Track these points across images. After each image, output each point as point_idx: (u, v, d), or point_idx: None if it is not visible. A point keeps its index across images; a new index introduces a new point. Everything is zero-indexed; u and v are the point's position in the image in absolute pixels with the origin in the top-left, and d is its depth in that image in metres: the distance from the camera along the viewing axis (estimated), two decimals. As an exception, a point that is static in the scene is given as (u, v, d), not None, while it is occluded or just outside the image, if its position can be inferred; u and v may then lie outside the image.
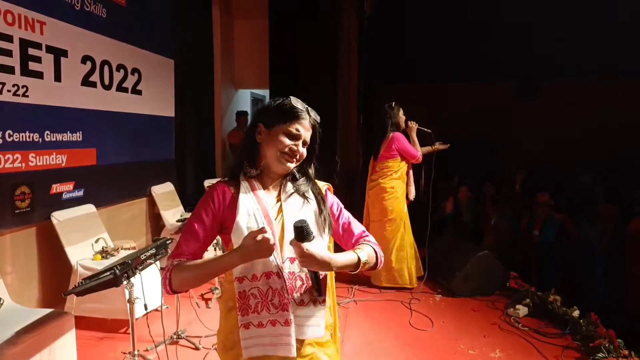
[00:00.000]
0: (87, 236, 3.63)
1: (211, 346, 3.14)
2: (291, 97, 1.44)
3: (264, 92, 8.14)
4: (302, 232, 1.23)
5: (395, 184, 4.33)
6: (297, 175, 1.47)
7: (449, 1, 7.15)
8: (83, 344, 3.07)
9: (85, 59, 3.88)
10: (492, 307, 3.89)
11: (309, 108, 1.44)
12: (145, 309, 2.41)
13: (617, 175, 6.48)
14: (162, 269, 2.81)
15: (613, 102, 6.92)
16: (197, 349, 3.15)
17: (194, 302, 3.66)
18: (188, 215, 4.92)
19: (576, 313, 3.40)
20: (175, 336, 3.20)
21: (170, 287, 1.32)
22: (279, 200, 1.42)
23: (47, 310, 2.67)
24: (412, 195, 4.43)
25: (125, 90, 4.47)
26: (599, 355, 2.84)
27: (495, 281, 4.19)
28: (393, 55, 7.16)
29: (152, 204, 5.00)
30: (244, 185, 1.41)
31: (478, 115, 7.28)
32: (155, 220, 5.05)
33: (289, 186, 1.45)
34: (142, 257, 2.38)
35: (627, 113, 6.64)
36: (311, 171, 1.49)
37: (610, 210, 4.90)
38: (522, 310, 3.66)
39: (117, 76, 4.32)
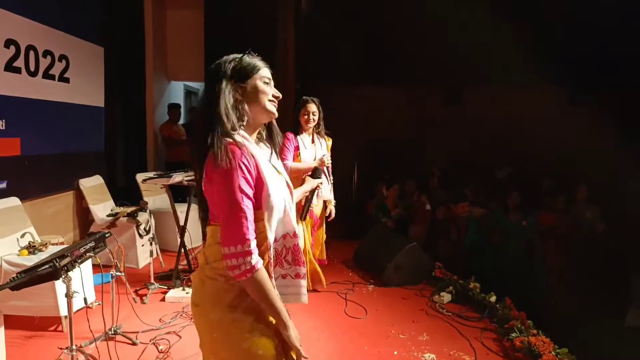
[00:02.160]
0: (12, 230, 3.43)
1: (148, 341, 3.12)
2: (244, 53, 1.47)
3: (199, 85, 7.99)
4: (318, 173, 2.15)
5: None
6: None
7: (385, 3, 7.43)
8: (10, 342, 2.91)
9: (8, 42, 3.65)
10: (419, 295, 4.18)
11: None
12: (85, 302, 2.35)
13: (527, 171, 7.18)
14: (102, 266, 2.75)
15: (527, 105, 7.63)
16: (134, 344, 3.11)
17: (130, 298, 3.59)
18: (119, 209, 4.78)
19: (493, 298, 3.75)
20: (111, 332, 3.13)
21: (251, 275, 1.31)
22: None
23: (-28, 309, 2.52)
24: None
25: (52, 77, 4.25)
26: (513, 335, 3.18)
27: (423, 271, 4.50)
28: (328, 56, 7.33)
29: (80, 198, 4.79)
30: (251, 146, 1.39)
31: (406, 118, 7.70)
32: (84, 215, 4.84)
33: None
34: (81, 250, 2.33)
35: (537, 116, 7.38)
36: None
37: (517, 201, 5.40)
38: (446, 297, 3.97)
39: (44, 62, 4.11)
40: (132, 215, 4.48)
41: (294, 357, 1.44)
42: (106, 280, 3.12)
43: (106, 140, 5.31)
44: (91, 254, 2.42)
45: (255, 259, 1.31)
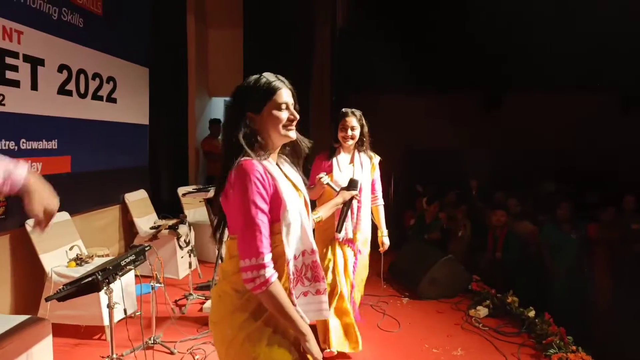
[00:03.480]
0: (62, 243, 3.66)
1: (185, 351, 3.23)
2: (262, 74, 1.50)
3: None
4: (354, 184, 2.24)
5: None
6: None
7: (416, 14, 7.44)
8: (57, 350, 3.09)
9: (61, 67, 3.93)
10: (455, 309, 4.11)
11: (279, 76, 1.52)
12: (125, 313, 2.49)
13: (573, 181, 6.90)
14: (140, 276, 2.89)
15: (572, 112, 7.37)
16: (172, 353, 3.23)
17: (169, 308, 3.73)
18: (161, 222, 5.00)
19: (532, 313, 3.64)
20: (150, 341, 3.28)
21: (266, 288, 1.35)
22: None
23: (24, 317, 2.70)
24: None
25: (101, 98, 4.52)
26: (551, 351, 3.08)
27: (459, 284, 4.42)
28: (362, 66, 7.37)
29: (125, 211, 5.03)
30: (269, 166, 1.44)
31: (443, 126, 7.60)
32: (129, 228, 5.08)
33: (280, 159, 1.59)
34: (122, 263, 2.47)
35: (582, 123, 7.11)
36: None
37: (568, 213, 5.19)
38: (483, 311, 3.89)
39: (93, 85, 4.37)
40: (173, 228, 4.67)
41: None
42: (147, 291, 3.28)
43: (150, 156, 5.56)
44: (131, 266, 2.56)
45: (270, 272, 1.36)
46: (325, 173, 2.87)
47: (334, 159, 3.07)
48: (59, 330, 3.38)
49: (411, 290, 4.49)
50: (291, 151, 1.62)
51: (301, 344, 1.43)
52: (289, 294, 1.44)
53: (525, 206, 5.83)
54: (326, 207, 2.14)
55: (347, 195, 2.26)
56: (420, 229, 5.81)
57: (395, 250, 5.24)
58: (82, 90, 4.21)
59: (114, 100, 4.72)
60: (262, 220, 1.37)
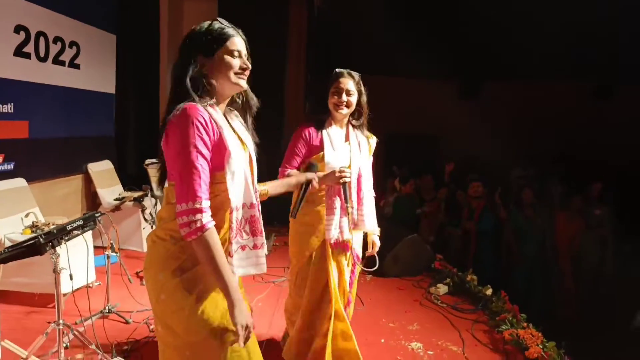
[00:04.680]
0: (17, 210, 3.56)
1: (141, 320, 3.19)
2: (214, 20, 1.46)
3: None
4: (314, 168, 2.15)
5: None
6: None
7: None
8: (8, 317, 3.04)
9: (18, 28, 3.76)
10: (417, 286, 4.15)
11: (234, 25, 1.48)
12: (71, 278, 2.43)
13: (545, 170, 7.00)
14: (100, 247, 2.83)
15: (546, 102, 7.45)
16: (127, 323, 3.19)
17: (126, 279, 3.67)
18: (126, 194, 4.89)
19: (489, 291, 3.70)
20: (105, 310, 3.23)
21: (201, 234, 1.31)
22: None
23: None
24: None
25: (62, 63, 4.37)
26: (503, 327, 3.13)
27: (422, 263, 4.46)
28: (340, 47, 7.29)
29: (89, 182, 4.92)
30: (215, 114, 1.41)
31: (419, 111, 7.60)
32: (92, 198, 4.98)
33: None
34: (69, 227, 2.40)
35: (559, 112, 7.20)
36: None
37: (531, 199, 5.26)
38: (443, 288, 3.94)
39: (54, 48, 4.22)
40: (138, 200, 4.58)
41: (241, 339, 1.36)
42: (111, 262, 3.24)
43: (117, 127, 5.43)
44: (79, 232, 2.49)
45: (207, 219, 1.31)
46: (315, 159, 2.28)
47: (325, 133, 2.30)
48: (14, 298, 3.32)
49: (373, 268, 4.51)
50: (241, 107, 1.58)
51: (228, 310, 1.36)
52: (229, 244, 1.41)
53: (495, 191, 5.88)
54: (275, 183, 1.91)
55: (302, 177, 1.99)
56: (398, 209, 5.82)
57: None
58: (41, 53, 4.05)
59: (77, 66, 4.57)
60: (202, 165, 1.33)
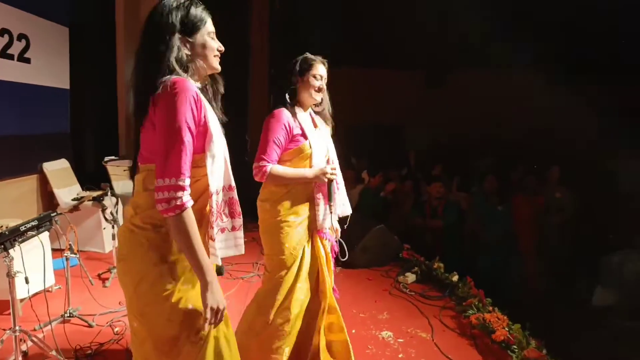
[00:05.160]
0: (-35, 213, 3.37)
1: (105, 323, 3.08)
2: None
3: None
4: None
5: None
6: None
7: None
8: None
9: (-40, 20, 3.54)
10: (385, 276, 4.19)
11: None
12: (27, 282, 2.31)
13: (506, 155, 7.18)
14: (59, 250, 2.71)
15: (506, 91, 7.60)
16: (90, 326, 3.07)
17: (87, 281, 3.54)
18: (85, 194, 4.70)
19: (455, 278, 3.77)
20: (66, 314, 3.10)
21: (180, 212, 1.26)
22: None
23: None
24: None
25: (11, 57, 4.13)
26: (470, 312, 3.20)
27: (390, 253, 4.50)
28: (302, 38, 7.23)
29: (44, 182, 4.70)
30: (201, 94, 1.38)
31: (385, 101, 7.63)
32: (48, 199, 4.76)
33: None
34: (22, 228, 2.28)
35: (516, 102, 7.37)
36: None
37: (494, 186, 5.39)
38: (411, 277, 3.99)
39: (1, 41, 3.98)
40: (98, 200, 4.40)
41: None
42: (64, 265, 3.10)
43: (73, 124, 5.20)
44: (33, 232, 2.37)
45: (187, 198, 1.28)
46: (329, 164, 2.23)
47: (301, 120, 2.20)
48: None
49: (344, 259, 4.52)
50: (210, 89, 1.53)
51: (201, 291, 1.31)
52: (210, 227, 1.40)
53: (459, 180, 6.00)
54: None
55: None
56: (366, 201, 5.82)
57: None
58: (-14, 46, 3.83)
59: (27, 60, 4.33)
60: (189, 142, 1.29)
